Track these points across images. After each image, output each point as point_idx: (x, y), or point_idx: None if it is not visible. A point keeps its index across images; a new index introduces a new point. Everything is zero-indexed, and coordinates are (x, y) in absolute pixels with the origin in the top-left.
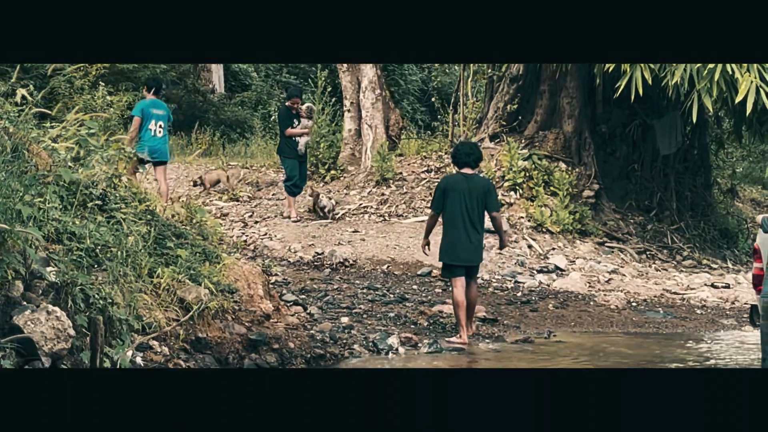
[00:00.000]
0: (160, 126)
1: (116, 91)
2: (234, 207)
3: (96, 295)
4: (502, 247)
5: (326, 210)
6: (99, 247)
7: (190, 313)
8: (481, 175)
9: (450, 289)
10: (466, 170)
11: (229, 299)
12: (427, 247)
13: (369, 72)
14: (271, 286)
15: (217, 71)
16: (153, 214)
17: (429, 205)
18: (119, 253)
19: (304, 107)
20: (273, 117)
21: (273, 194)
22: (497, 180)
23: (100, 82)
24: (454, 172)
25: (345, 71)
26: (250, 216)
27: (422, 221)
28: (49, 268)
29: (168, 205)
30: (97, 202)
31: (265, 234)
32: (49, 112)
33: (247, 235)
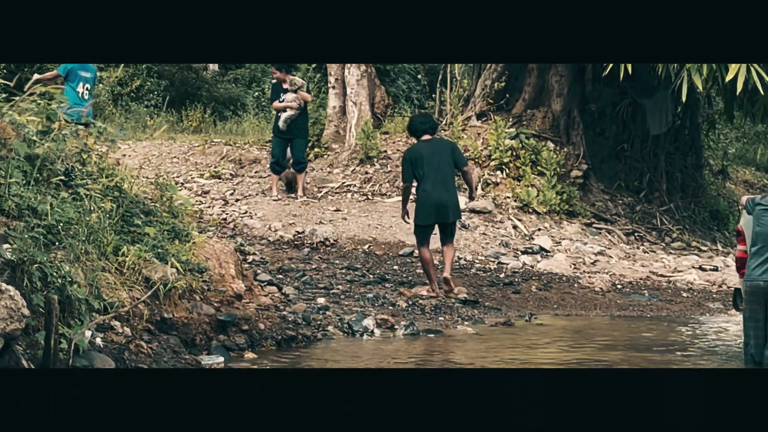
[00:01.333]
0: (87, 89)
1: (106, 67)
2: (215, 184)
3: (54, 274)
4: (471, 198)
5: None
6: (61, 224)
7: (151, 291)
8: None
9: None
10: (426, 137)
11: (198, 279)
12: (406, 215)
13: None
14: (246, 265)
15: None
16: (120, 191)
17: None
18: (80, 230)
19: (288, 79)
20: (267, 95)
21: (255, 172)
22: (483, 159)
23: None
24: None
25: None
26: (231, 194)
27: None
28: (5, 246)
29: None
30: (61, 177)
31: (246, 212)
32: (9, 83)
33: (227, 213)
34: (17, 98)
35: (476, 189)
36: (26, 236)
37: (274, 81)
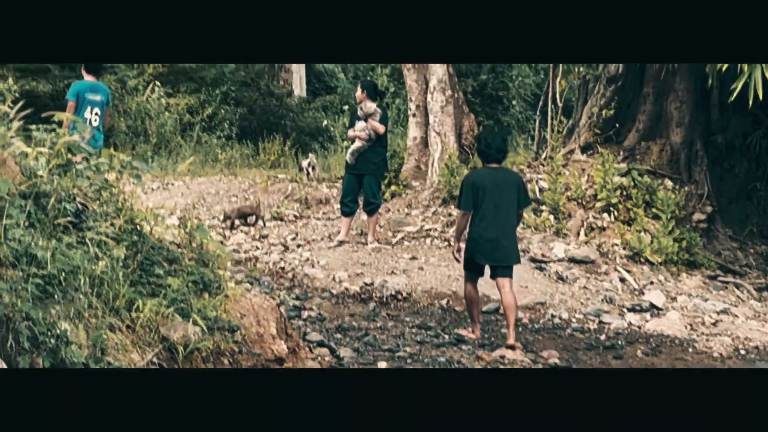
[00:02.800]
0: (96, 114)
1: (175, 92)
2: (276, 228)
3: (48, 333)
4: None
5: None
6: (63, 274)
7: (153, 353)
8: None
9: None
10: (493, 165)
11: (228, 339)
12: (458, 252)
13: (438, 70)
14: (300, 322)
15: (298, 71)
16: (140, 235)
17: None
18: (83, 280)
19: (363, 106)
20: None
21: (323, 213)
22: (588, 199)
23: (156, 83)
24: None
25: (410, 69)
26: (293, 239)
27: None
28: None
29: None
30: (70, 219)
31: (307, 260)
32: (7, 110)
33: (285, 261)
34: (32, 127)
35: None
36: (19, 287)
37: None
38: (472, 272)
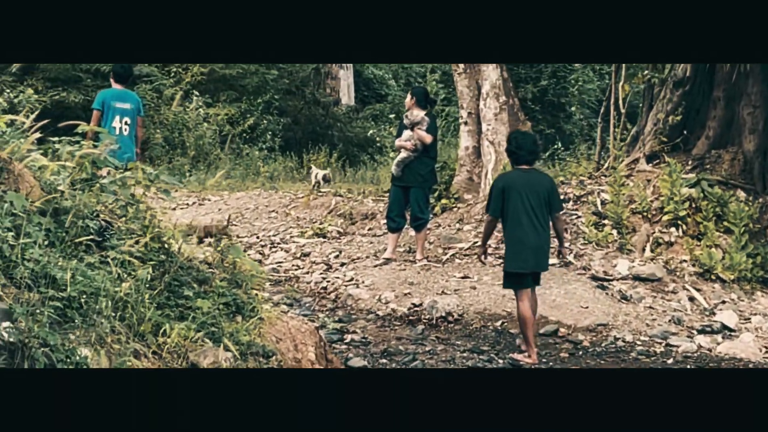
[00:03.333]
0: (126, 123)
1: (214, 101)
2: (319, 245)
3: (66, 359)
4: (560, 253)
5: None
6: (84, 297)
7: None
8: (541, 171)
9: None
10: (524, 167)
11: (263, 365)
12: (484, 255)
13: (492, 74)
14: (343, 346)
15: (345, 79)
16: (168, 254)
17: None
18: (105, 303)
19: (410, 114)
20: None
21: (369, 229)
22: (654, 212)
23: (194, 92)
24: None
25: (461, 73)
26: (336, 257)
27: (552, 264)
28: (5, 324)
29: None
30: (92, 237)
31: (351, 280)
32: (23, 119)
33: (328, 281)
34: (54, 139)
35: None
36: (37, 311)
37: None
38: (523, 285)
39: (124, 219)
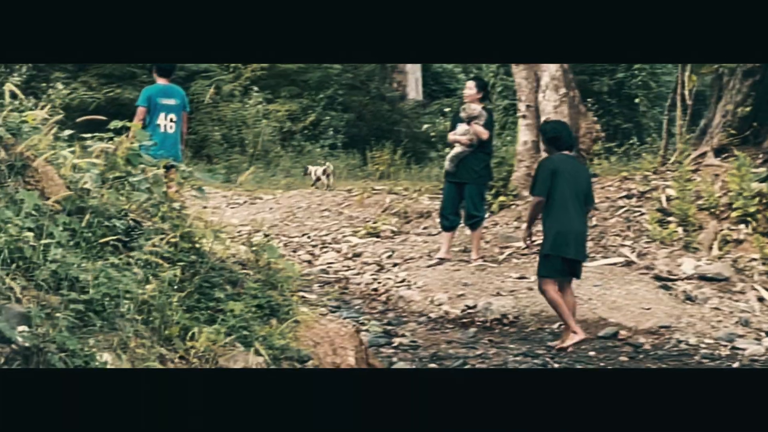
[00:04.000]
0: (172, 120)
1: (275, 98)
2: (371, 244)
3: (86, 365)
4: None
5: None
6: (108, 299)
7: None
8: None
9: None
10: (566, 152)
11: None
12: (529, 238)
13: (550, 66)
14: (390, 350)
15: (413, 73)
16: (199, 254)
17: (531, 189)
18: (128, 306)
19: (467, 107)
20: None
21: (424, 228)
22: (722, 208)
23: (254, 88)
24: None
25: (518, 65)
26: (389, 257)
27: (614, 263)
28: (21, 328)
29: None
30: (120, 237)
31: (403, 281)
32: (45, 115)
33: (379, 282)
34: (87, 136)
35: None
36: (57, 314)
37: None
38: (556, 272)
39: (155, 218)
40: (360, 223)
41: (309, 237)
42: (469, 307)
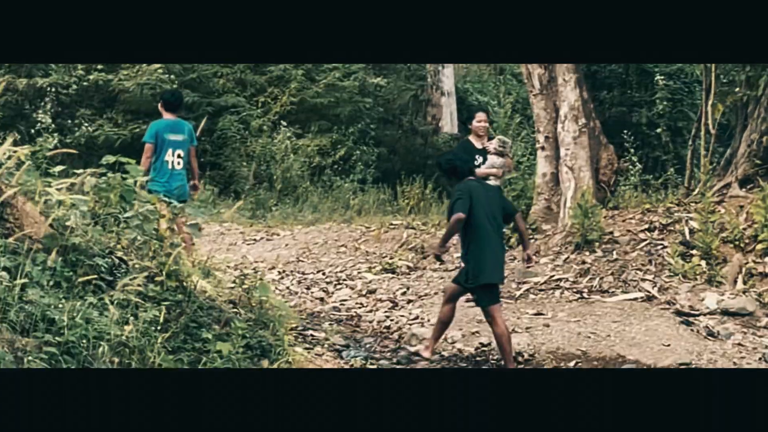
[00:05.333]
0: (179, 156)
1: (304, 132)
2: (386, 281)
3: None
4: (526, 251)
5: None
6: (84, 341)
7: None
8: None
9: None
10: (471, 178)
11: None
12: (442, 253)
13: (570, 95)
14: None
15: (448, 106)
16: (186, 293)
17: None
18: (103, 348)
19: (493, 141)
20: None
21: (440, 264)
22: (747, 241)
23: (282, 123)
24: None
25: (536, 95)
26: (404, 293)
27: (634, 298)
28: None
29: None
30: (103, 276)
31: (416, 318)
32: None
33: (392, 320)
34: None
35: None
36: (28, 358)
37: (465, 137)
38: (495, 299)
39: (141, 257)
40: (376, 258)
41: (324, 273)
42: (483, 345)
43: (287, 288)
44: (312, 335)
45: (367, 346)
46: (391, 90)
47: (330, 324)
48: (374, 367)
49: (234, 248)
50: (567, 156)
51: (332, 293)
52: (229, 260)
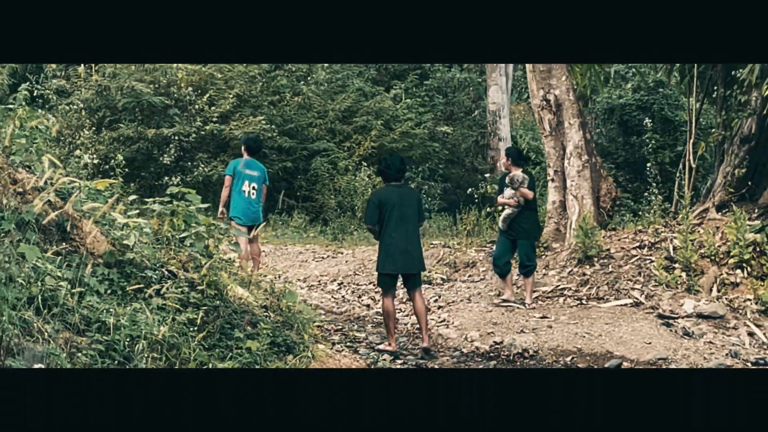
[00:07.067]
0: (254, 187)
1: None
2: (423, 290)
3: None
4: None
5: None
6: (130, 339)
7: None
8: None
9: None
10: (394, 183)
11: None
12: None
13: (575, 136)
14: None
15: (504, 149)
16: (223, 299)
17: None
18: (143, 345)
19: (507, 177)
20: None
21: (468, 276)
22: (721, 256)
23: (363, 163)
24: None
25: (547, 136)
26: (435, 300)
27: (623, 304)
28: (36, 366)
29: (257, 272)
30: (153, 285)
31: (443, 321)
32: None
33: None
34: (150, 200)
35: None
36: (80, 353)
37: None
38: (387, 285)
39: (189, 269)
40: None
41: (374, 285)
42: (497, 343)
43: (342, 296)
44: (354, 335)
45: (401, 344)
46: (457, 137)
47: (373, 326)
48: (400, 362)
49: (305, 264)
50: (572, 186)
51: (378, 301)
52: (299, 275)
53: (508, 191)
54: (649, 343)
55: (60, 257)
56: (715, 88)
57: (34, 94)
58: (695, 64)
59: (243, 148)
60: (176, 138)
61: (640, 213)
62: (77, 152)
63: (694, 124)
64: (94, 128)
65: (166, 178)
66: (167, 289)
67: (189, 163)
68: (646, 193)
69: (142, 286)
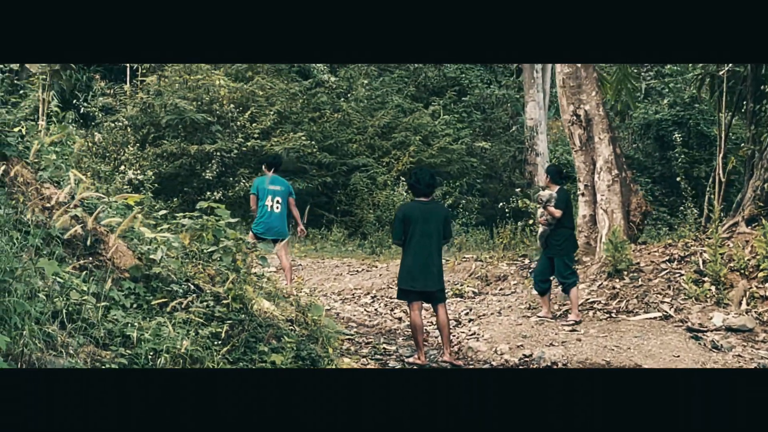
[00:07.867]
0: (278, 202)
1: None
2: (454, 304)
3: None
4: None
5: None
6: (153, 353)
7: None
8: (439, 202)
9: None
10: (422, 198)
11: None
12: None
13: (604, 151)
14: None
15: (542, 165)
16: (248, 313)
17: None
18: (165, 359)
19: (541, 194)
20: None
21: (500, 289)
22: (751, 269)
23: (402, 178)
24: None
25: (577, 151)
26: (467, 314)
27: (653, 318)
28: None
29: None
30: (179, 299)
31: (474, 333)
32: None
33: (454, 335)
34: (180, 215)
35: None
36: (104, 367)
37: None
38: (411, 299)
39: (216, 283)
40: (449, 285)
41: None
42: (526, 356)
43: (375, 309)
44: (384, 348)
45: (431, 356)
46: (495, 152)
47: (404, 339)
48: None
49: (339, 277)
50: (602, 201)
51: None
52: (334, 288)
53: (540, 209)
54: (678, 356)
55: (85, 272)
56: (745, 102)
57: (81, 111)
58: (725, 80)
59: (264, 167)
60: (218, 154)
61: (676, 227)
62: (122, 168)
63: (724, 139)
64: (138, 144)
65: (208, 193)
66: (191, 302)
67: (231, 179)
68: (681, 207)
69: (167, 300)
